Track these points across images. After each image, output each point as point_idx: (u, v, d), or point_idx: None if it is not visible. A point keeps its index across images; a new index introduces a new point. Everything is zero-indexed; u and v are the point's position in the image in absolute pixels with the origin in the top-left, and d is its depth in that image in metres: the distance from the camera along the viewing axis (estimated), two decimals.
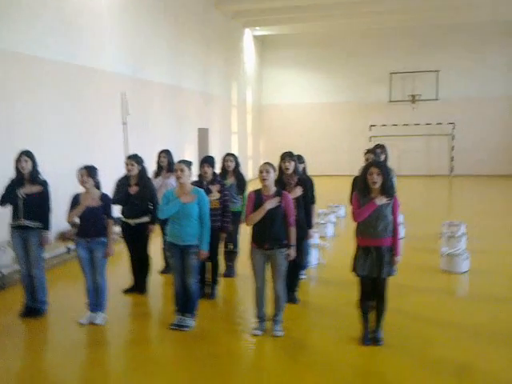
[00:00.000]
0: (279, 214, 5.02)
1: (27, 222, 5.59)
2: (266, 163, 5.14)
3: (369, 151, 7.47)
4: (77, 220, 5.60)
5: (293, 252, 5.11)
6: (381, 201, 4.67)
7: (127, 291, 6.59)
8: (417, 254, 8.30)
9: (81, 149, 9.45)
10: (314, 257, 7.67)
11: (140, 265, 6.61)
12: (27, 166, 5.59)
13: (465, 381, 4.21)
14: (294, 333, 5.21)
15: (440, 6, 18.44)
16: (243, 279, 6.99)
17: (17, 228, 5.65)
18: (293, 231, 5.11)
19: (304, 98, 23.13)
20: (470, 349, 4.82)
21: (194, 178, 6.27)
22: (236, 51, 19.80)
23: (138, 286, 6.59)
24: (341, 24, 21.01)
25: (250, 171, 20.19)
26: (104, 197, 5.57)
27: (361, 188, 4.79)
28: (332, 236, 9.94)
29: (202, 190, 5.40)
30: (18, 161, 5.60)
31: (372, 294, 4.91)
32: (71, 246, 8.33)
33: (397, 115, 22.01)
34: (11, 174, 5.70)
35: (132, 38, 11.49)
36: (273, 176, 5.10)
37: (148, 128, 12.31)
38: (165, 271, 7.41)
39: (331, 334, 5.19)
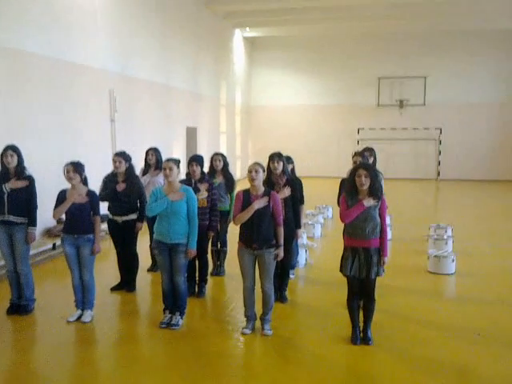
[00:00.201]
0: (267, 213, 5.01)
1: (12, 218, 5.50)
2: (254, 163, 5.13)
3: (357, 154, 7.50)
4: (63, 216, 5.54)
5: (281, 252, 5.11)
6: (368, 202, 4.70)
7: (115, 289, 6.53)
8: (404, 256, 8.36)
9: (68, 145, 9.36)
10: (302, 257, 7.68)
11: (128, 262, 6.56)
12: (13, 161, 5.50)
13: (452, 379, 4.24)
14: (284, 332, 5.21)
15: (429, 14, 18.62)
16: (232, 278, 6.98)
17: (2, 223, 5.56)
18: (281, 231, 5.11)
19: (293, 99, 23.17)
20: (458, 349, 4.86)
21: (182, 176, 6.24)
22: (226, 51, 19.78)
23: (126, 283, 6.54)
24: (331, 27, 21.09)
25: (238, 171, 20.17)
26: (91, 193, 5.50)
27: (349, 190, 4.82)
28: (320, 236, 9.97)
29: (190, 189, 5.37)
30: (3, 155, 5.53)
31: (360, 294, 4.93)
32: (57, 242, 8.25)
33: (385, 119, 22.16)
34: None
35: (122, 34, 11.41)
36: (261, 176, 5.09)
37: (136, 125, 12.23)
38: (152, 269, 7.36)
39: (320, 333, 5.20)
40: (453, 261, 7.42)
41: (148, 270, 7.36)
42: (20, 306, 5.66)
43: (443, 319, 5.64)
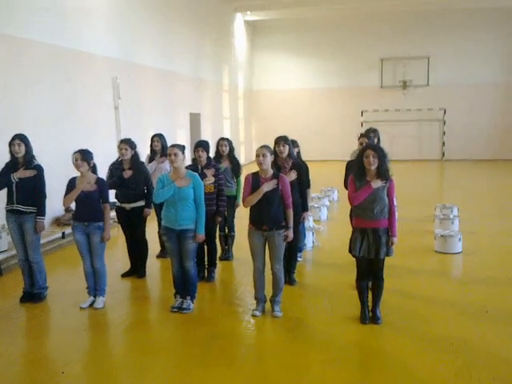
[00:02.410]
0: (276, 196, 5.05)
1: (20, 207, 5.55)
2: (262, 146, 5.14)
3: (362, 135, 7.50)
4: (72, 205, 5.59)
5: (291, 233, 5.15)
6: (376, 184, 4.72)
7: (125, 275, 6.61)
8: (411, 236, 8.40)
9: (72, 133, 9.39)
10: (309, 239, 7.73)
11: (137, 249, 6.62)
12: (20, 150, 5.53)
13: (462, 356, 4.29)
14: (293, 313, 5.27)
15: None
16: (240, 262, 7.05)
17: (11, 212, 5.61)
18: (290, 213, 5.15)
19: (295, 83, 23.08)
20: (466, 326, 4.91)
21: (188, 162, 6.26)
22: (227, 36, 19.67)
23: (136, 270, 6.61)
24: (332, 9, 20.91)
25: (242, 156, 20.17)
26: (100, 181, 5.54)
27: (357, 171, 4.83)
28: (326, 219, 10.01)
29: (196, 174, 5.41)
30: (11, 144, 5.55)
31: (369, 275, 4.98)
32: (66, 231, 8.33)
33: (388, 101, 22.06)
34: (6, 158, 5.66)
35: (123, 21, 11.37)
36: (269, 159, 5.11)
37: (140, 112, 12.24)
38: (161, 255, 7.43)
39: (330, 313, 5.26)
40: (459, 240, 7.45)
41: (157, 257, 7.43)
42: (33, 294, 5.74)
43: (451, 297, 5.69)
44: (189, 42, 15.51)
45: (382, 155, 4.72)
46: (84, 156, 5.41)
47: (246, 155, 21.13)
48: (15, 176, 5.52)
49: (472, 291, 5.90)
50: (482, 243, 8.02)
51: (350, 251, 4.93)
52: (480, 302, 5.50)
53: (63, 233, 8.38)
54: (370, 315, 4.99)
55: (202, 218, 5.32)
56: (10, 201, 5.60)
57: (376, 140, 7.73)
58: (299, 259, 6.87)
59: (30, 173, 5.56)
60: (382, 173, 4.72)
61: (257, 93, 23.57)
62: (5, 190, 5.61)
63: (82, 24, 9.70)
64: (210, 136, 15.76)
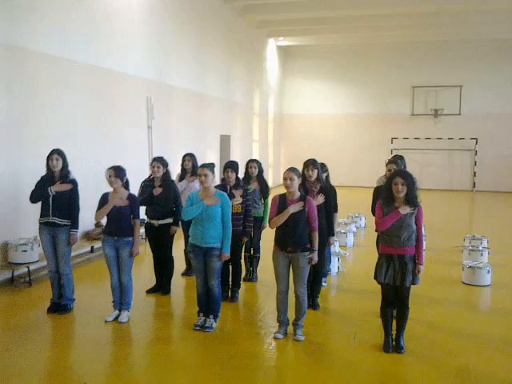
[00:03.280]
0: (302, 218, 5.08)
1: (56, 220, 5.71)
2: (290, 169, 5.19)
3: (391, 161, 7.51)
4: (104, 220, 5.72)
5: (315, 256, 5.16)
6: (405, 210, 4.71)
7: (150, 291, 6.68)
8: (438, 267, 8.27)
9: (107, 150, 9.61)
10: (334, 265, 7.69)
11: (163, 266, 6.71)
12: (58, 165, 5.73)
13: None
14: (316, 338, 5.25)
15: (464, 22, 18.39)
16: (264, 284, 7.06)
17: (45, 225, 5.78)
18: (316, 236, 5.17)
19: (325, 108, 23.17)
20: (492, 360, 4.80)
21: (217, 182, 6.34)
22: (259, 60, 19.97)
23: (161, 286, 6.68)
24: (364, 36, 21.04)
25: (270, 179, 20.24)
26: (131, 197, 5.68)
27: (385, 197, 4.84)
28: (352, 246, 9.95)
29: (225, 194, 5.51)
30: (49, 159, 5.75)
31: (394, 303, 4.93)
32: (95, 245, 8.48)
33: (419, 129, 21.91)
34: (41, 172, 5.85)
35: (158, 43, 11.69)
36: (297, 182, 5.15)
37: (171, 133, 12.48)
38: (186, 273, 7.49)
39: (353, 340, 5.21)
40: (488, 272, 7.30)
41: (182, 275, 7.50)
42: (60, 306, 5.86)
43: (477, 330, 5.58)
44: (221, 65, 15.82)
45: (410, 182, 4.72)
46: (117, 172, 5.56)
47: (274, 178, 21.21)
48: (52, 189, 5.69)
49: (498, 324, 5.77)
50: (511, 277, 7.84)
51: (376, 277, 4.90)
52: (506, 336, 5.37)
53: (92, 247, 8.54)
54: (393, 344, 4.92)
55: (229, 237, 5.38)
56: (45, 213, 5.76)
57: (402, 167, 7.73)
58: (324, 284, 6.85)
59: (66, 186, 5.74)
60: (411, 199, 4.72)
61: (287, 117, 23.75)
62: (38, 204, 5.78)
63: (118, 45, 10.00)
64: (239, 158, 15.91)
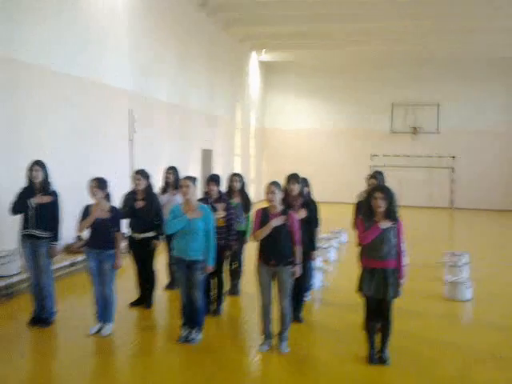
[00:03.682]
0: (285, 231, 5.11)
1: (37, 232, 5.63)
2: (271, 183, 5.22)
3: (372, 176, 7.65)
4: (85, 232, 5.66)
5: (298, 269, 5.18)
6: (385, 225, 4.77)
7: (133, 304, 6.61)
8: (420, 282, 8.32)
9: (86, 163, 9.52)
10: (317, 279, 7.71)
11: (146, 279, 6.65)
12: (38, 176, 5.65)
13: None
14: (300, 350, 5.25)
15: (443, 41, 18.87)
16: (248, 298, 7.04)
17: (27, 237, 5.69)
18: (298, 249, 5.20)
19: (306, 123, 23.36)
20: (474, 371, 4.86)
21: (199, 195, 6.33)
22: (241, 75, 20.11)
23: (144, 299, 6.61)
24: (345, 53, 21.39)
25: (252, 194, 20.21)
26: (113, 209, 5.64)
27: (366, 212, 4.90)
28: (334, 260, 9.99)
29: (207, 207, 5.50)
30: (29, 170, 5.68)
31: (377, 315, 4.97)
32: (75, 259, 8.35)
33: (398, 146, 22.21)
34: (21, 183, 5.76)
35: (141, 56, 11.69)
36: (279, 196, 5.18)
37: (153, 146, 12.43)
38: (169, 287, 7.43)
39: (337, 352, 5.24)
40: (468, 287, 7.40)
41: (166, 288, 7.43)
42: (41, 318, 5.75)
43: (458, 341, 5.66)
44: (204, 79, 15.87)
45: (390, 196, 4.79)
46: (99, 184, 5.53)
47: (255, 193, 21.24)
48: (33, 202, 5.61)
49: (480, 336, 5.86)
50: (491, 292, 7.95)
51: (358, 290, 4.94)
52: (489, 347, 5.45)
53: (72, 262, 8.39)
54: (377, 356, 4.95)
55: (212, 250, 5.38)
56: (25, 226, 5.67)
57: (382, 183, 7.87)
58: (308, 298, 6.86)
59: (47, 199, 5.66)
60: (390, 214, 4.78)
61: (269, 131, 23.89)
62: (18, 215, 5.68)
63: (100, 57, 9.98)
64: (221, 172, 15.88)
